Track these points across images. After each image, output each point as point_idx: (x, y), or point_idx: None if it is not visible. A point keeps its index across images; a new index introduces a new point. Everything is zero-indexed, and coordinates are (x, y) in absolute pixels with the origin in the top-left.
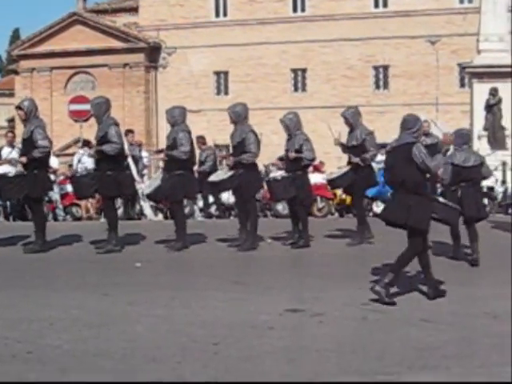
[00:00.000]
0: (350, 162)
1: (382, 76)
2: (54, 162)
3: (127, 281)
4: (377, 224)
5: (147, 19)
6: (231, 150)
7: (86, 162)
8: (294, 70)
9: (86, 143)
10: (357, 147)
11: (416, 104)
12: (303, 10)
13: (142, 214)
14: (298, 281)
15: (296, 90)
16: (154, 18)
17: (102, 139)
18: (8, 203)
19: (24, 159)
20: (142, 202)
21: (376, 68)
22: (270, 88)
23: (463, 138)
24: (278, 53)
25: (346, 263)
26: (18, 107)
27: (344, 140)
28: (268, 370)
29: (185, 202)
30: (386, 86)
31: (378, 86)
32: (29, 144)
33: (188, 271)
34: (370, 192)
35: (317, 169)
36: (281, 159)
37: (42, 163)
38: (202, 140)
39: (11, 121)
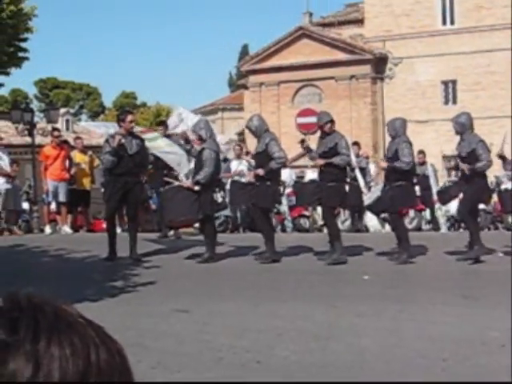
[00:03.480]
0: None
1: None
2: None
3: (355, 293)
4: None
5: (373, 30)
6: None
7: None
8: None
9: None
10: None
11: None
12: None
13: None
14: None
15: None
16: (380, 28)
17: (332, 150)
18: (238, 214)
19: (261, 171)
20: (368, 214)
21: None
22: (499, 96)
23: None
24: (508, 59)
25: None
26: (247, 127)
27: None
28: None
29: (412, 213)
30: None
31: None
32: (263, 157)
33: (415, 284)
34: None
35: None
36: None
37: (274, 175)
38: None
39: (241, 134)
